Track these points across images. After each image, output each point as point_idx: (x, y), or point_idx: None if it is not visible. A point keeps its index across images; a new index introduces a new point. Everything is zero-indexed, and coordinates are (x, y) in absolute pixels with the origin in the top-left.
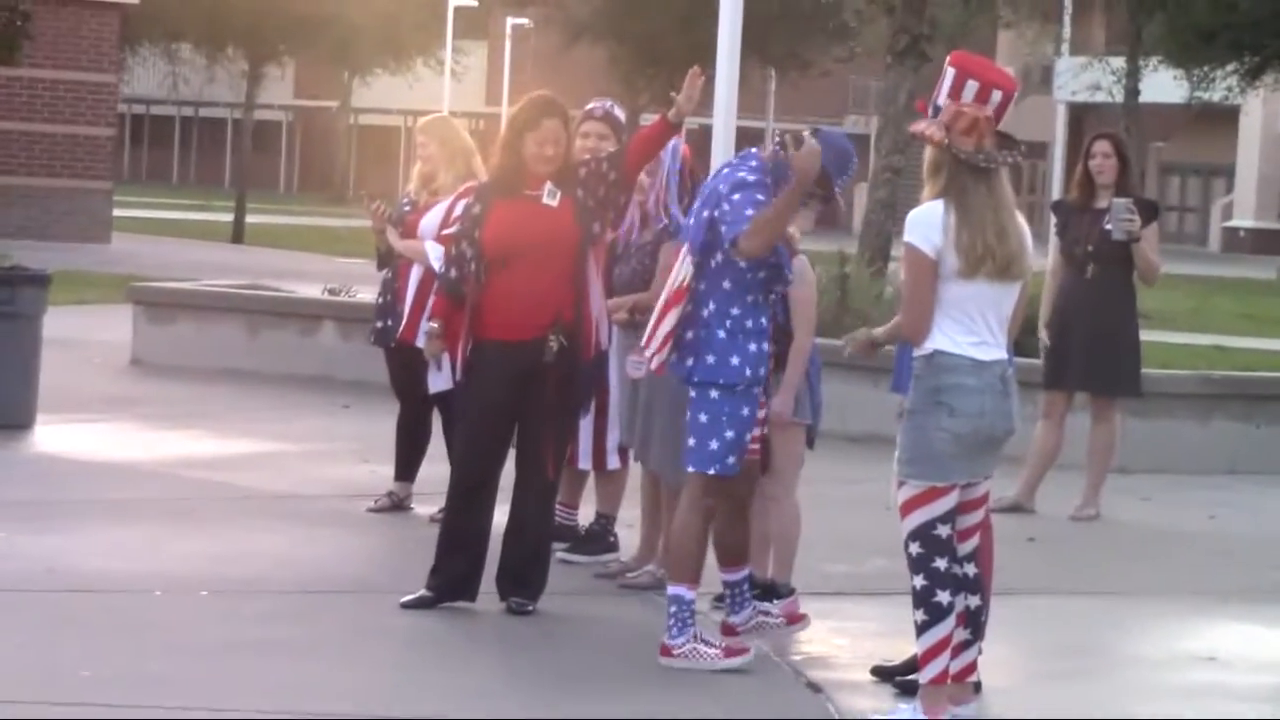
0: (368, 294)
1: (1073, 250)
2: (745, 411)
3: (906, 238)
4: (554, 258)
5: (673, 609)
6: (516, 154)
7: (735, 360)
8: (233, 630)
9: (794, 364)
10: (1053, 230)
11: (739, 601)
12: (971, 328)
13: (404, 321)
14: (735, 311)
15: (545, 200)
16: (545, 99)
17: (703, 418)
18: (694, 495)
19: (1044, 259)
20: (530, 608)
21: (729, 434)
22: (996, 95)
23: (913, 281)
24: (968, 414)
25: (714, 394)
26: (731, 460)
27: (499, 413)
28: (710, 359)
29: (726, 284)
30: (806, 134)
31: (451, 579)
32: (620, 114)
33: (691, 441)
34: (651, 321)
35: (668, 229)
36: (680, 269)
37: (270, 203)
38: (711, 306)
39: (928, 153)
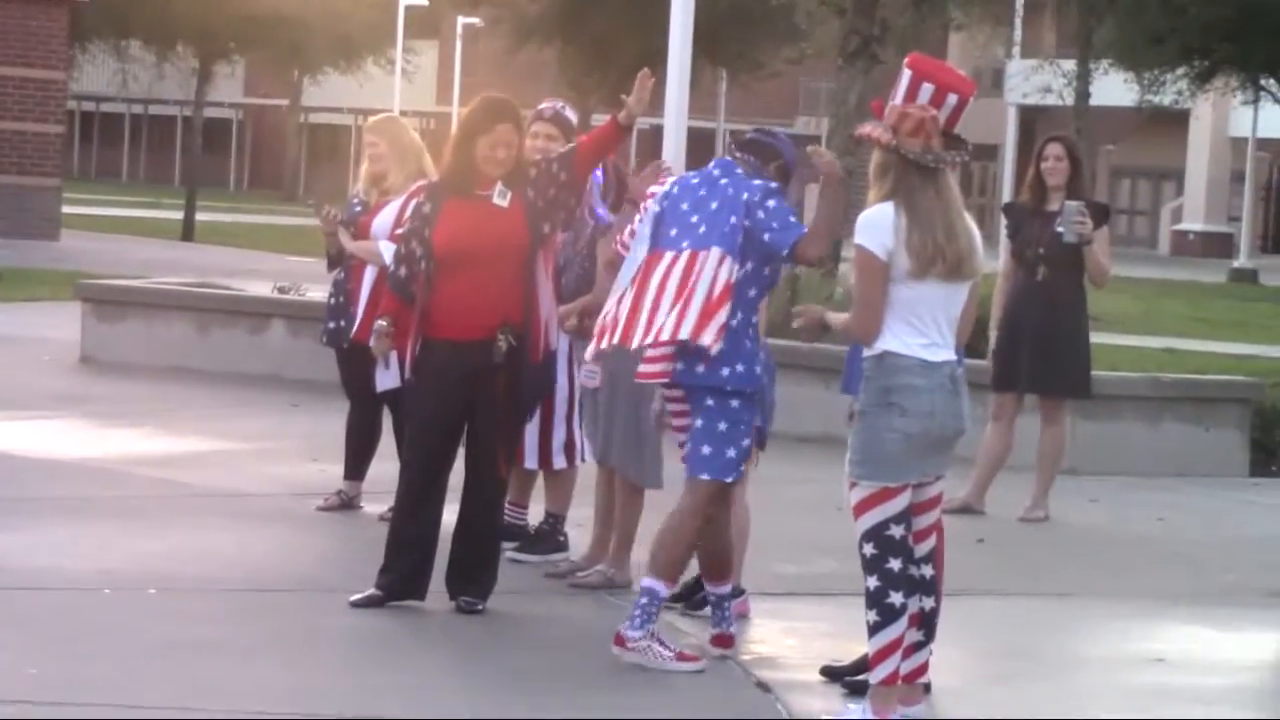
0: (318, 293)
1: (1024, 252)
2: (750, 417)
3: (857, 240)
4: (504, 259)
5: (643, 600)
6: (468, 155)
7: (757, 368)
8: (180, 629)
9: None
10: (1004, 233)
11: (725, 614)
12: (921, 329)
13: (358, 322)
14: (755, 319)
15: (496, 200)
16: (498, 101)
17: (723, 426)
18: (701, 502)
19: (995, 261)
20: (480, 606)
21: (745, 442)
22: (952, 98)
23: (863, 284)
24: (918, 414)
25: (736, 402)
26: (742, 467)
27: (448, 412)
28: (740, 367)
29: (752, 291)
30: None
31: (400, 578)
32: (571, 115)
33: (708, 450)
34: (668, 327)
35: (598, 228)
36: (718, 269)
37: (220, 201)
38: (739, 315)
39: (875, 155)
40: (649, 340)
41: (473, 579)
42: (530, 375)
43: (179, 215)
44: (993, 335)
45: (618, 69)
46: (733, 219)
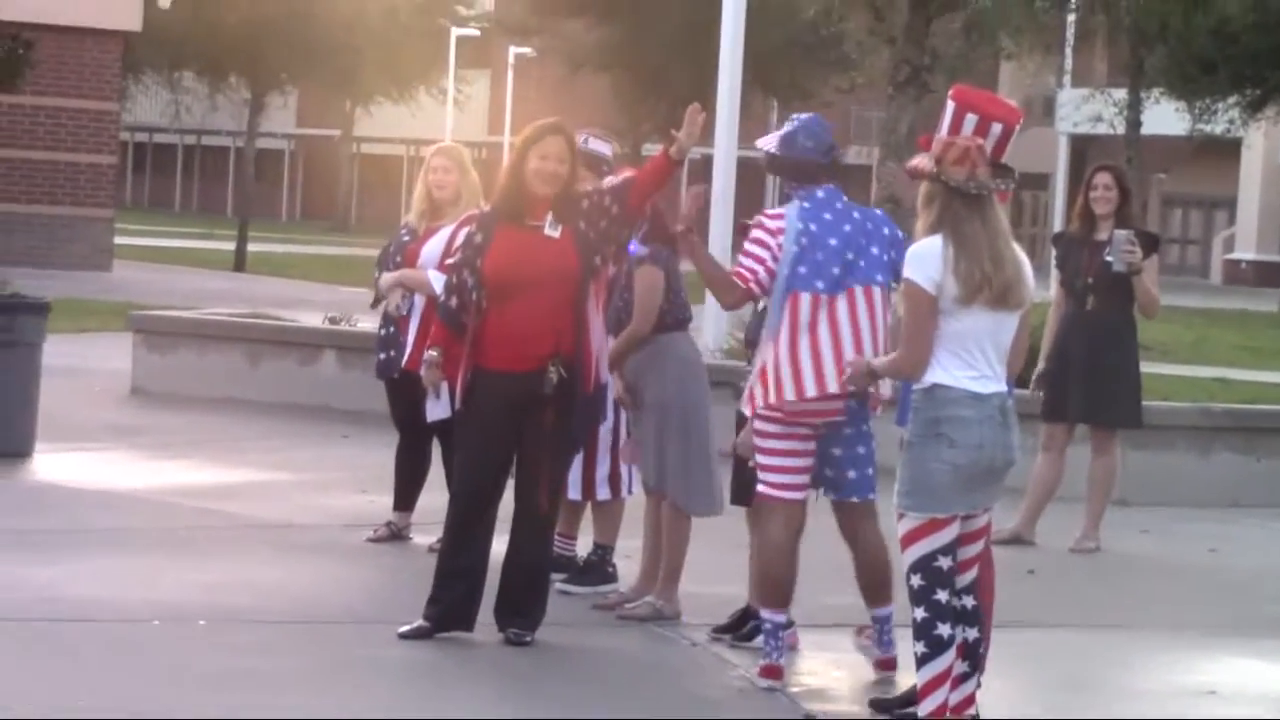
0: (368, 323)
1: (1073, 282)
2: None
3: (906, 274)
4: (555, 289)
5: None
6: (520, 177)
7: None
8: (230, 660)
9: None
10: (1054, 262)
11: (778, 644)
12: (970, 361)
13: (408, 352)
14: None
15: (547, 231)
16: (552, 121)
17: (872, 447)
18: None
19: (1047, 291)
20: (528, 638)
21: None
22: (996, 128)
23: (912, 318)
24: (967, 445)
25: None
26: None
27: (498, 443)
28: None
29: None
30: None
31: (448, 609)
32: (599, 146)
33: (871, 471)
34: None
35: (632, 259)
36: (887, 305)
37: (272, 231)
38: None
39: (922, 185)
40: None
41: (521, 611)
42: (580, 407)
43: (231, 246)
44: (1043, 366)
45: (669, 98)
46: (886, 256)
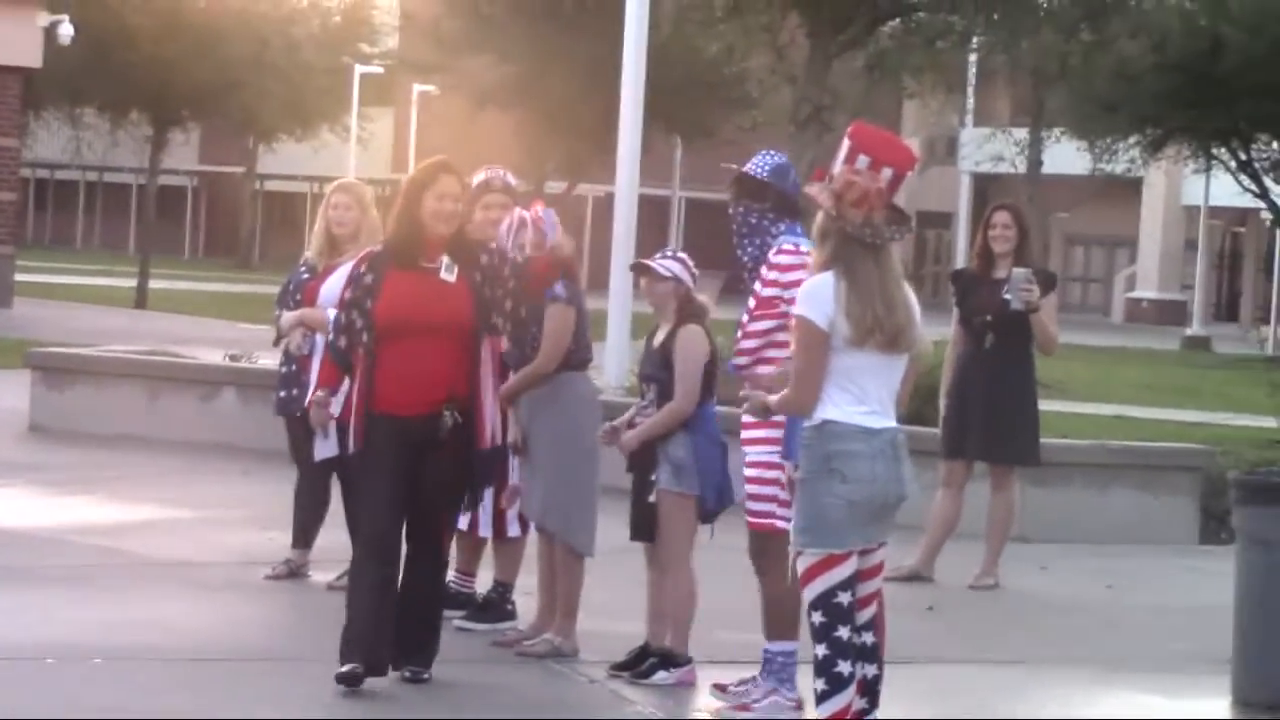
0: (269, 360)
1: (971, 320)
2: None
3: (798, 310)
4: (448, 333)
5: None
6: (413, 220)
7: None
8: (126, 699)
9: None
10: (953, 300)
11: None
12: (861, 397)
13: (310, 390)
14: None
15: (443, 275)
16: (441, 160)
17: None
18: None
19: (946, 329)
20: (425, 675)
21: None
22: (887, 172)
23: (803, 353)
24: (860, 480)
25: None
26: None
27: (396, 485)
28: None
29: None
30: None
31: (363, 654)
32: (514, 182)
33: None
34: None
35: (546, 297)
36: None
37: (175, 268)
38: None
39: (818, 218)
40: None
41: (418, 648)
42: (479, 460)
43: (133, 283)
44: (943, 403)
45: (573, 135)
46: None
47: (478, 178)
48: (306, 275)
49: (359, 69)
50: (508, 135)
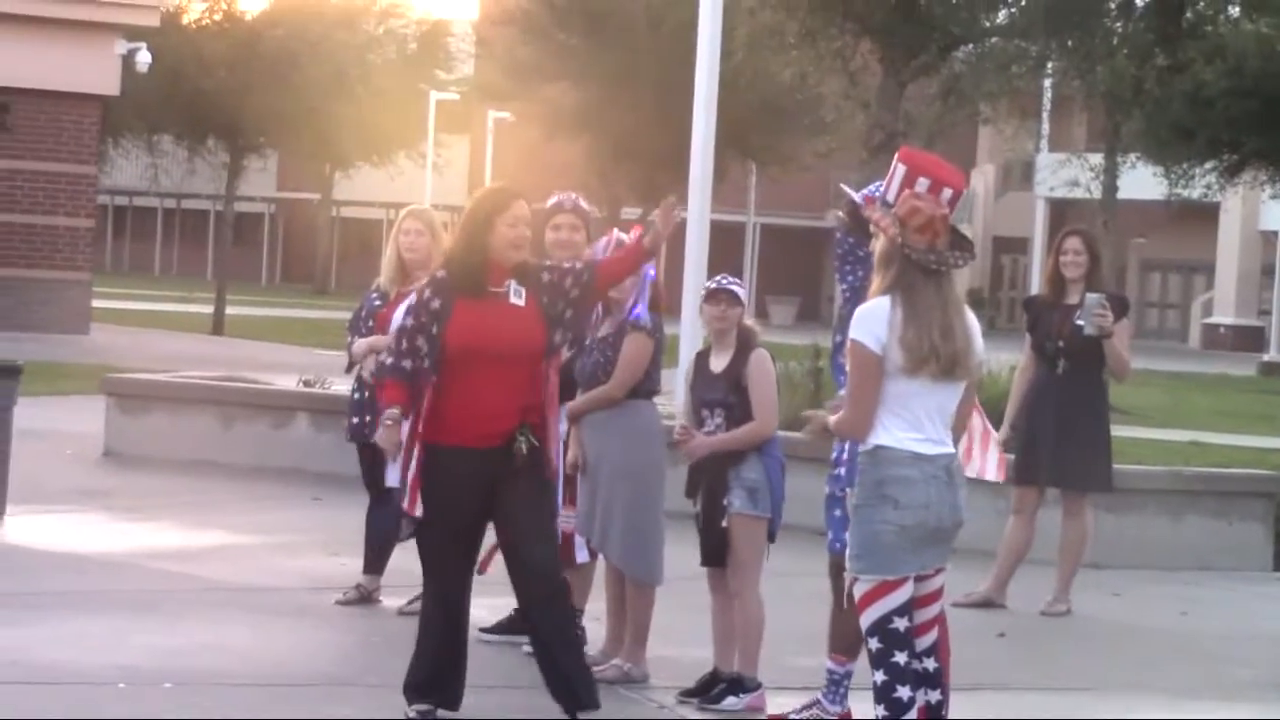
0: (342, 386)
1: (1044, 345)
2: None
3: (852, 334)
4: (520, 360)
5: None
6: (483, 246)
7: None
8: None
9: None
10: (1025, 327)
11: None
12: (914, 423)
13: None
14: None
15: (512, 299)
16: (508, 186)
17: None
18: None
19: (1019, 355)
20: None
21: None
22: (947, 192)
23: (857, 378)
24: (913, 505)
25: None
26: None
27: (464, 521)
28: None
29: None
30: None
31: (435, 692)
32: (586, 206)
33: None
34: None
35: (630, 322)
36: None
37: (252, 294)
38: None
39: (880, 243)
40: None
41: (581, 687)
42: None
43: (209, 309)
44: (1005, 429)
45: (645, 162)
46: None
47: (550, 201)
48: (379, 302)
49: (435, 96)
50: (581, 161)
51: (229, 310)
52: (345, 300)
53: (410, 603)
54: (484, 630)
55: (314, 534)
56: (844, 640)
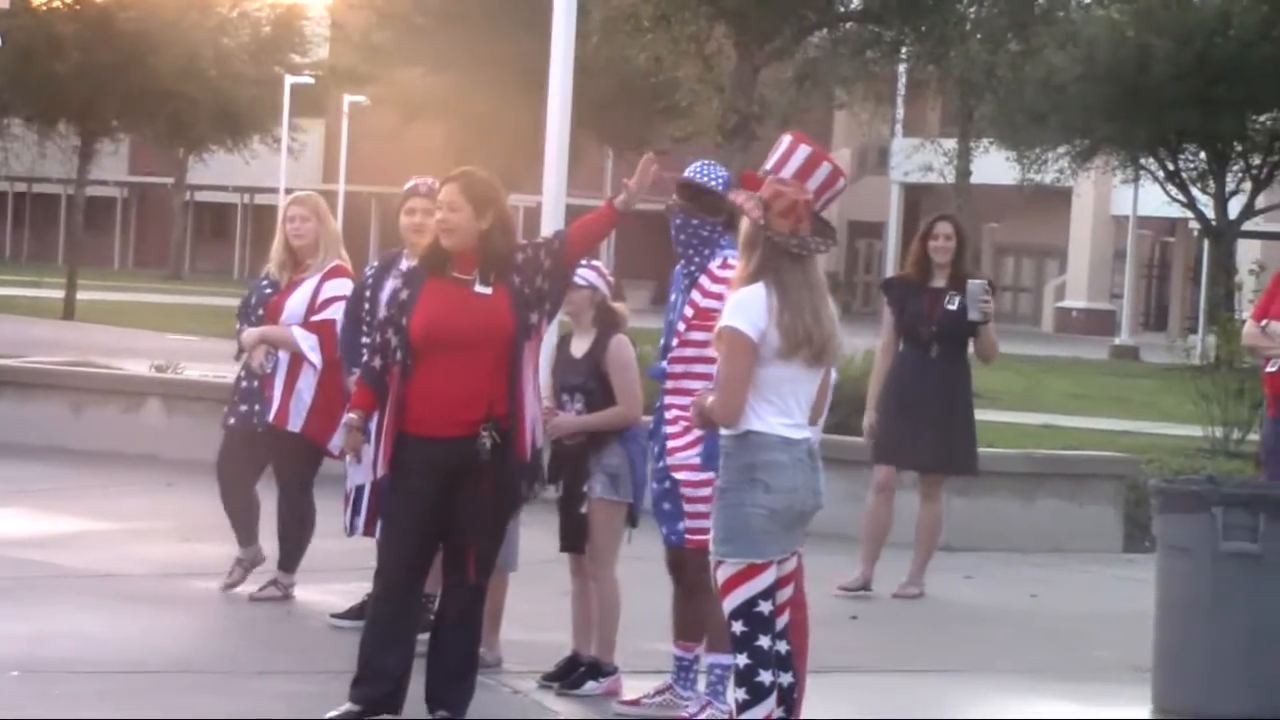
0: (194, 371)
1: (917, 329)
2: None
3: (728, 320)
4: (487, 350)
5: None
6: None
7: None
8: (44, 712)
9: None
10: (887, 308)
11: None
12: (783, 408)
13: (275, 407)
14: None
15: (477, 288)
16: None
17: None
18: None
19: (876, 339)
20: None
21: None
22: (825, 166)
23: (730, 364)
24: (783, 489)
25: None
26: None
27: (427, 513)
28: None
29: None
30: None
31: (378, 691)
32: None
33: None
34: None
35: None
36: None
37: (104, 279)
38: None
39: (744, 225)
40: None
41: (449, 690)
42: (515, 475)
43: (60, 294)
44: (870, 413)
45: (504, 146)
46: None
47: (406, 185)
48: (269, 289)
49: (289, 79)
50: (438, 145)
51: (80, 295)
52: (199, 285)
53: (262, 589)
54: (335, 616)
55: (167, 520)
56: (687, 628)
